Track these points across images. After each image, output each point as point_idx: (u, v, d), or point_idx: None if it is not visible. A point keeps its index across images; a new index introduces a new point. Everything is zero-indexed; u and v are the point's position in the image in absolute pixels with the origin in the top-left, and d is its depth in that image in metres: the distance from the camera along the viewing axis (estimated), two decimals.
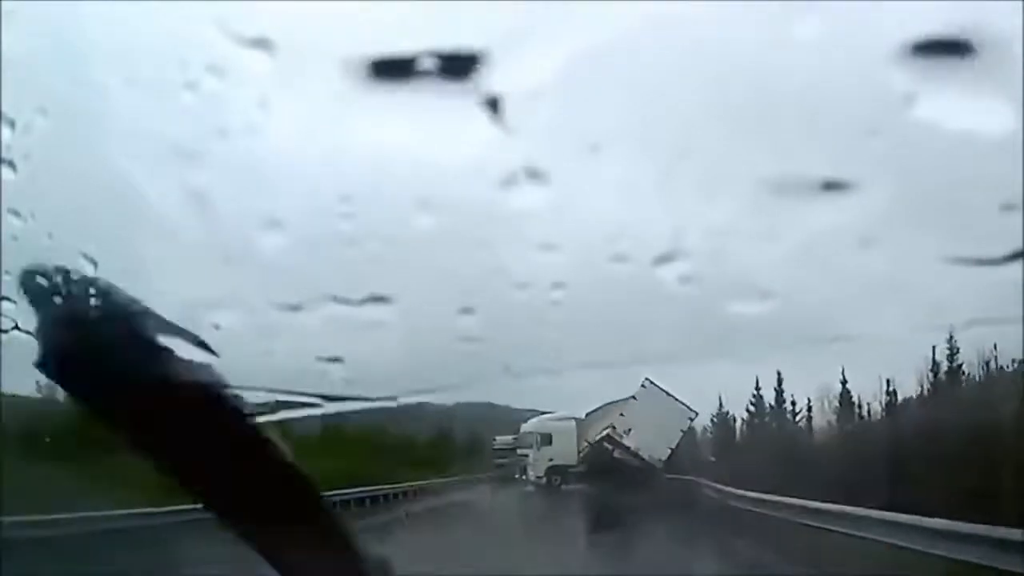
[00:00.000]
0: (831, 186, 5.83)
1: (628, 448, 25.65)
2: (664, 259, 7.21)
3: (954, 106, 3.29)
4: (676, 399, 26.61)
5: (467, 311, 9.60)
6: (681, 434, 26.55)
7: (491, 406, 29.95)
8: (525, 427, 33.29)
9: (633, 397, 26.38)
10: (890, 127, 5.73)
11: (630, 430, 26.06)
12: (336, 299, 8.17)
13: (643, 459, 25.54)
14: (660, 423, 25.95)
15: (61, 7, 9.78)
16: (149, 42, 11.50)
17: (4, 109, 6.62)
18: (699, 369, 27.47)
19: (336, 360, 8.17)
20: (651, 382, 25.84)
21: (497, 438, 38.30)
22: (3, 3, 6.98)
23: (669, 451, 26.31)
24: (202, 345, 1.57)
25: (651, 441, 25.91)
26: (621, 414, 26.64)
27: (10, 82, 6.87)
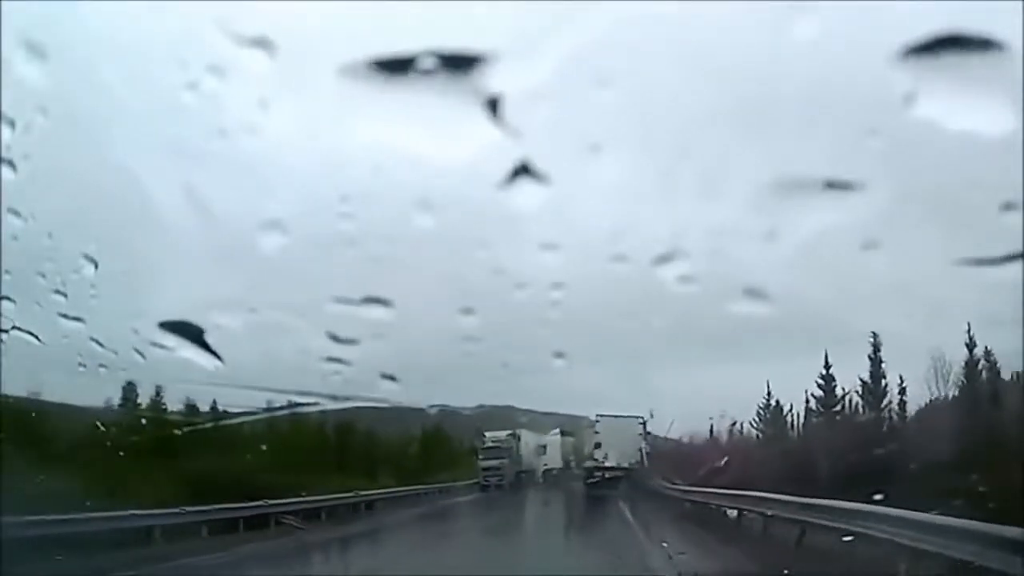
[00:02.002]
0: (831, 186, 5.84)
1: (609, 466, 31.12)
2: (664, 259, 7.22)
3: (954, 106, 3.30)
4: (624, 416, 30.44)
5: (467, 311, 9.61)
6: (642, 438, 30.85)
7: (512, 409, 30.21)
8: (528, 439, 35.21)
9: (595, 431, 31.62)
10: (890, 127, 5.73)
11: (607, 455, 31.16)
12: (337, 299, 8.20)
13: (623, 467, 31.04)
14: (622, 438, 30.90)
15: (61, 7, 9.78)
16: (150, 42, 11.50)
17: (4, 109, 6.63)
18: (702, 368, 27.85)
19: (337, 360, 8.20)
20: (600, 415, 30.93)
21: (487, 434, 32.72)
22: (3, 3, 6.99)
23: (639, 452, 30.83)
24: (204, 346, 1.58)
25: (622, 453, 31.06)
26: (597, 444, 31.57)
27: (10, 82, 6.88)
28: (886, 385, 21.32)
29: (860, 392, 22.14)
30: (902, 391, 20.69)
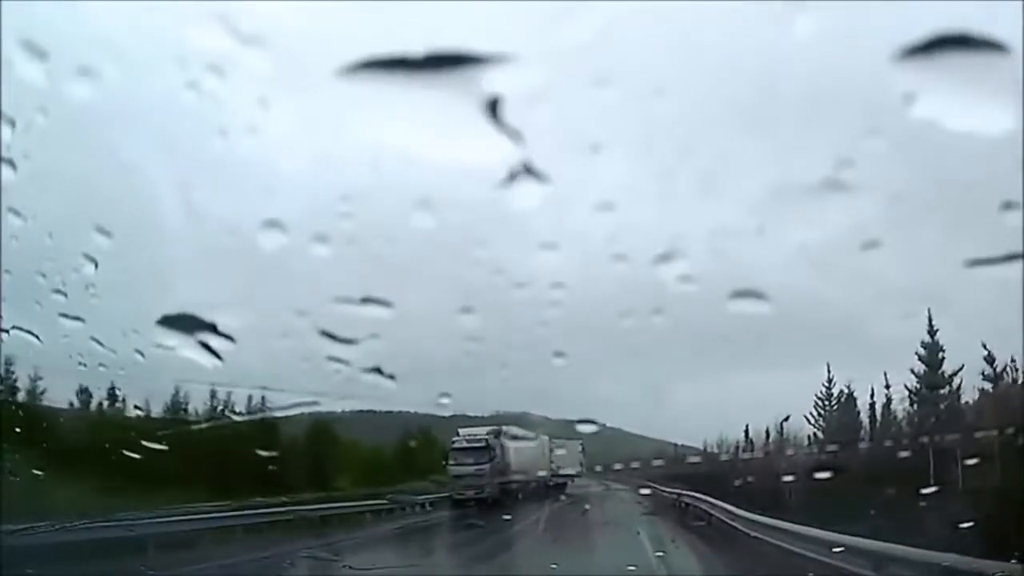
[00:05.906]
0: (831, 186, 5.84)
1: (563, 473, 35.47)
2: (664, 258, 7.22)
3: (954, 106, 3.30)
4: (571, 439, 31.73)
5: (467, 310, 9.62)
6: (581, 454, 34.12)
7: (527, 415, 29.22)
8: (516, 441, 35.21)
9: (554, 447, 33.58)
10: (890, 127, 5.73)
11: (560, 465, 34.36)
12: (337, 299, 8.19)
13: (569, 474, 35.13)
14: (571, 454, 33.14)
15: (61, 7, 9.78)
16: (150, 42, 11.50)
17: (4, 109, 6.63)
18: (707, 370, 27.86)
19: (339, 360, 8.20)
20: (556, 438, 32.98)
21: (461, 431, 25.76)
22: (3, 3, 6.98)
23: (580, 464, 34.74)
24: (204, 345, 1.57)
25: (570, 464, 34.21)
26: (552, 460, 34.79)
27: (10, 82, 6.88)
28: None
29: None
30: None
